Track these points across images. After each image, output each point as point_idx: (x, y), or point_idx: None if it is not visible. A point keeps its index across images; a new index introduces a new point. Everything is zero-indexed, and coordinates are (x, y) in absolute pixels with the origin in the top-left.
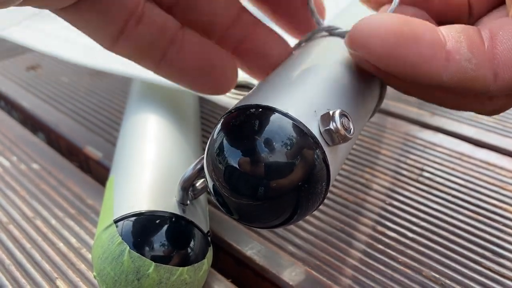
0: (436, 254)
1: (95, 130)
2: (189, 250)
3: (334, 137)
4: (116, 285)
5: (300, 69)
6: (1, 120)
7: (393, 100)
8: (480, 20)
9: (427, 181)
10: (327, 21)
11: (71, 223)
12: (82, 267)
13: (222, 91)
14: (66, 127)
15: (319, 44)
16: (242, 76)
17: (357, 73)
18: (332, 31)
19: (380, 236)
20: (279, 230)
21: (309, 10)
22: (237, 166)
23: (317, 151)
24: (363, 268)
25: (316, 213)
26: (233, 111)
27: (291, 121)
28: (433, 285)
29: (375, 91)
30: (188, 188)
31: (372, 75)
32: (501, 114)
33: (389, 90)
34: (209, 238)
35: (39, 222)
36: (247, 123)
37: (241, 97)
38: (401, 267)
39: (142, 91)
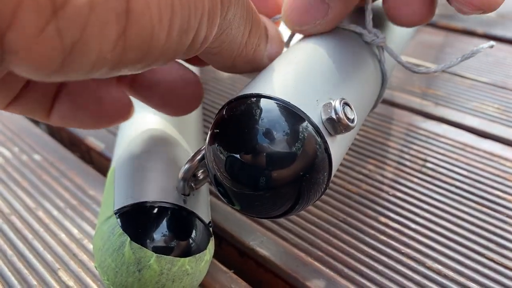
0: (439, 245)
1: None
2: (190, 240)
3: (336, 127)
4: (117, 277)
5: (301, 58)
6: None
7: (397, 90)
8: None
9: (430, 172)
10: None
11: (73, 214)
12: (84, 257)
13: (120, 121)
14: None
15: (321, 35)
16: None
17: (359, 63)
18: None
19: (383, 227)
20: (282, 221)
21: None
22: (238, 157)
23: (319, 140)
24: (366, 259)
25: (319, 204)
26: (233, 100)
27: (292, 111)
28: (436, 276)
29: (377, 81)
30: (188, 178)
31: (375, 64)
32: (506, 105)
33: (393, 80)
34: (210, 229)
35: (41, 213)
36: (248, 113)
37: None
38: (404, 258)
39: None
